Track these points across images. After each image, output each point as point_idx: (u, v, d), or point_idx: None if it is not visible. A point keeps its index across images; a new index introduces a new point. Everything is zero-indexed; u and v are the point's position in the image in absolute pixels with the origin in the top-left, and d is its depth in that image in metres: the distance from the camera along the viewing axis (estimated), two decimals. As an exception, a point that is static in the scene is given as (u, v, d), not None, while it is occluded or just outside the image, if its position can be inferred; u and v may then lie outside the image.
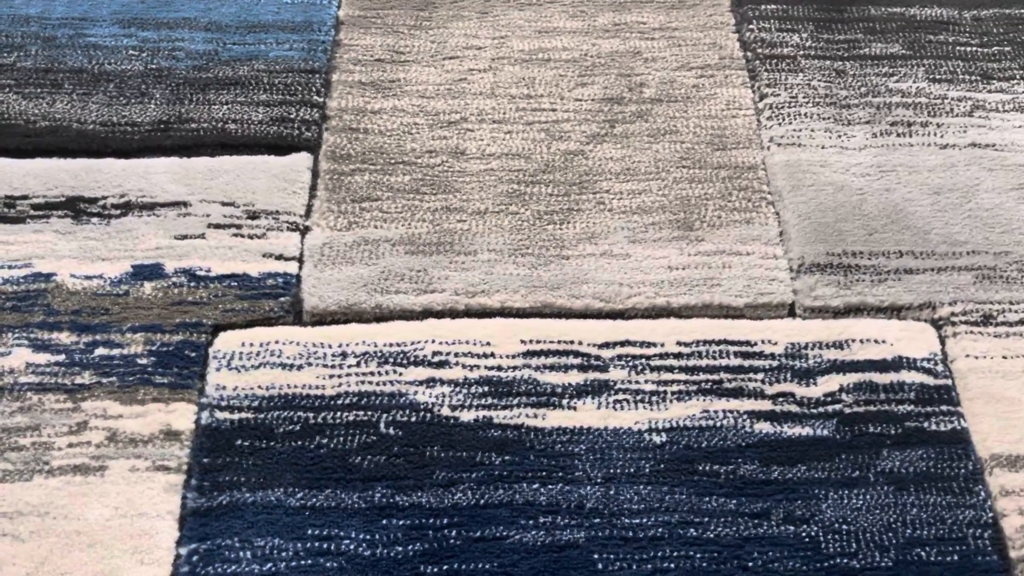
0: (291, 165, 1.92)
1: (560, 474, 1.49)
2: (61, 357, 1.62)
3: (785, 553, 1.42)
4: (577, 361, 1.62)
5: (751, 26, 2.22)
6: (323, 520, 1.44)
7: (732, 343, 1.65)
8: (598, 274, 1.76)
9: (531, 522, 1.44)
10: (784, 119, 2.02)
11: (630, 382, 1.60)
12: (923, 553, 1.42)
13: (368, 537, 1.42)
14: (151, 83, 2.06)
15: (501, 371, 1.61)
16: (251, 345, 1.63)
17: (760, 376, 1.61)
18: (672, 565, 1.40)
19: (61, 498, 1.46)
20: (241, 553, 1.41)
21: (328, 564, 1.40)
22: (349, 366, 1.61)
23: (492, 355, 1.62)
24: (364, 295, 1.72)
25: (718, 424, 1.55)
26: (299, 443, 1.52)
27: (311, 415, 1.55)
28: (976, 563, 1.41)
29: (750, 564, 1.40)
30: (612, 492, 1.47)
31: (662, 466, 1.50)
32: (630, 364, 1.62)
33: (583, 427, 1.54)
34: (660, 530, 1.43)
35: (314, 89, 2.06)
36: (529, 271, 1.76)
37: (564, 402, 1.57)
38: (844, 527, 1.44)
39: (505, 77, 2.11)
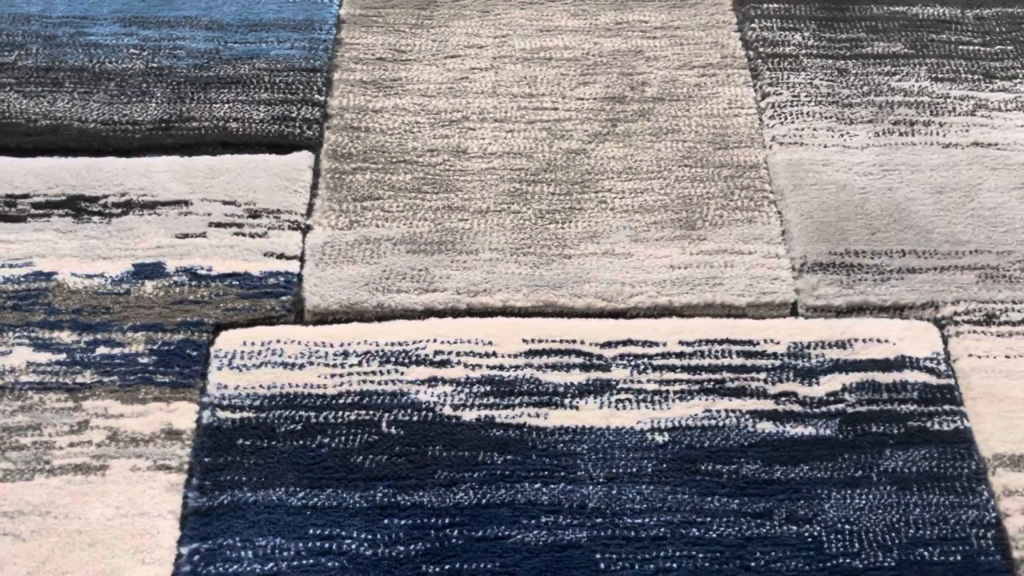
0: (292, 164, 1.91)
1: (562, 474, 1.49)
2: (62, 356, 1.61)
3: (788, 553, 1.41)
4: (579, 360, 1.62)
5: (753, 25, 2.22)
6: (325, 520, 1.44)
7: (734, 342, 1.64)
8: (600, 273, 1.75)
9: (533, 522, 1.44)
10: (786, 118, 2.01)
11: (632, 381, 1.59)
12: (926, 553, 1.41)
13: (370, 537, 1.42)
14: (152, 82, 2.06)
15: (503, 370, 1.60)
16: (252, 344, 1.63)
17: (762, 376, 1.60)
18: (674, 565, 1.40)
19: (62, 497, 1.45)
20: (242, 553, 1.41)
21: (330, 564, 1.39)
22: (351, 365, 1.61)
23: (494, 354, 1.62)
24: (366, 294, 1.72)
25: (720, 424, 1.55)
26: (301, 442, 1.52)
27: (313, 414, 1.55)
28: (979, 563, 1.41)
29: (752, 564, 1.40)
30: (614, 492, 1.47)
31: (664, 466, 1.50)
32: (632, 363, 1.61)
33: (585, 427, 1.54)
34: (662, 530, 1.43)
35: (315, 88, 2.05)
36: (531, 270, 1.76)
37: (566, 401, 1.57)
38: (847, 527, 1.44)
39: (507, 76, 2.11)
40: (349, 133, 1.99)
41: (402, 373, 1.60)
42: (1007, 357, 1.63)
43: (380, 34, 2.20)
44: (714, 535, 1.43)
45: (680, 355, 1.63)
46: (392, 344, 1.63)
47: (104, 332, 1.65)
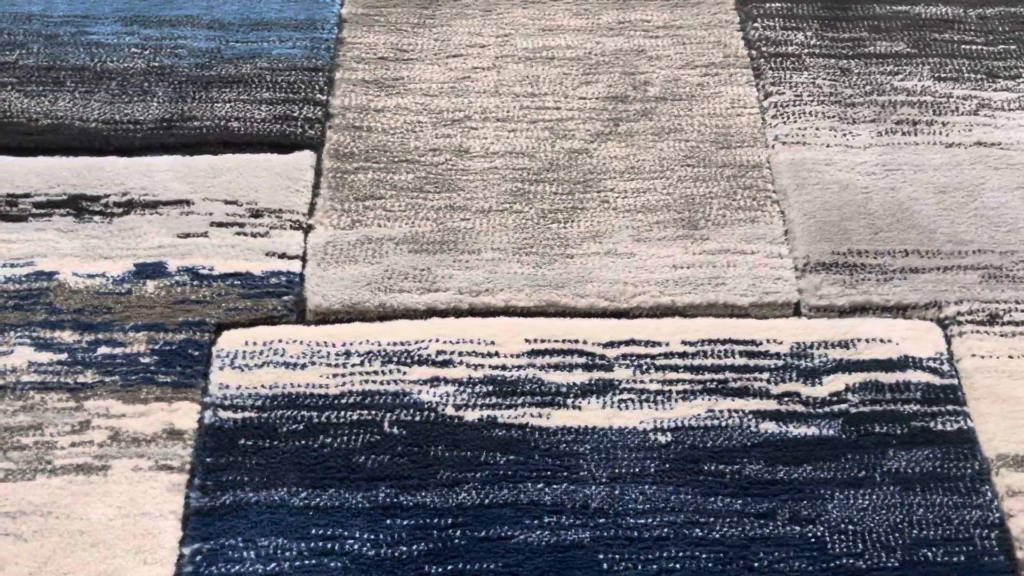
0: (294, 163, 1.91)
1: (565, 474, 1.48)
2: (63, 356, 1.61)
3: (791, 553, 1.41)
4: (582, 360, 1.61)
5: (755, 24, 2.21)
6: (327, 520, 1.43)
7: (737, 342, 1.64)
8: (603, 273, 1.75)
9: (536, 522, 1.43)
10: (789, 117, 2.01)
11: (635, 381, 1.59)
12: (929, 553, 1.41)
13: (372, 537, 1.42)
14: (153, 81, 2.06)
15: (505, 370, 1.60)
16: (254, 344, 1.63)
17: (765, 375, 1.60)
18: (677, 565, 1.40)
19: (64, 497, 1.45)
20: (245, 553, 1.40)
21: (332, 564, 1.39)
22: (353, 365, 1.60)
23: (496, 354, 1.62)
24: (368, 294, 1.72)
25: (723, 424, 1.54)
26: (303, 442, 1.51)
27: (315, 414, 1.55)
28: (983, 564, 1.40)
29: (756, 564, 1.40)
30: (617, 492, 1.46)
31: (667, 466, 1.50)
32: (635, 363, 1.61)
33: (588, 427, 1.54)
34: (665, 530, 1.43)
35: (317, 87, 2.05)
36: (533, 270, 1.75)
37: (569, 401, 1.57)
38: (850, 527, 1.43)
39: (509, 75, 2.11)
40: (351, 132, 1.99)
41: (404, 373, 1.59)
42: (1010, 357, 1.63)
43: (382, 33, 2.20)
44: (717, 535, 1.43)
45: (683, 355, 1.62)
46: (394, 344, 1.63)
47: (105, 332, 1.64)
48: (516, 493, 1.46)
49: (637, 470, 1.49)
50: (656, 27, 2.22)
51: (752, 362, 1.62)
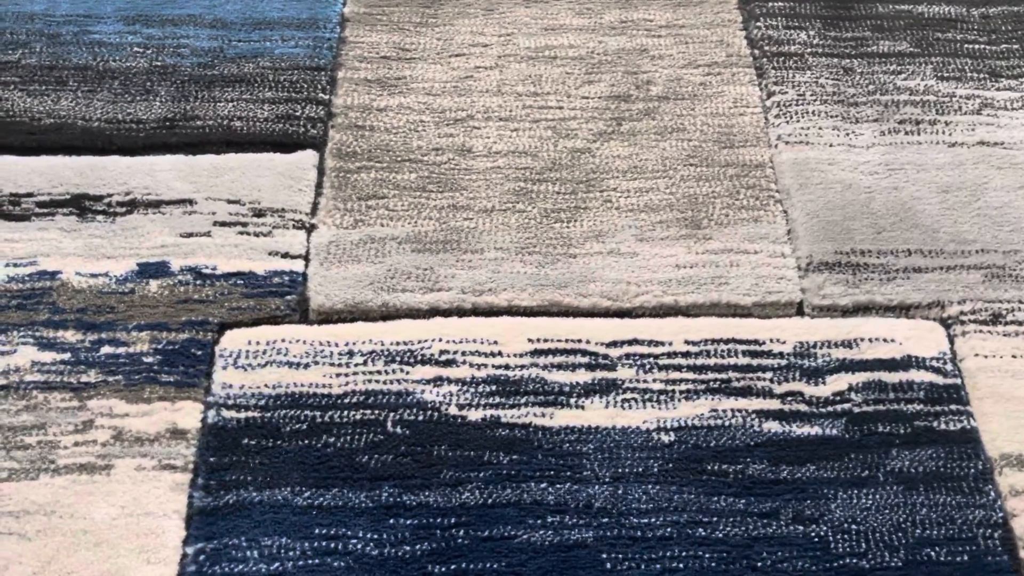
0: (297, 163, 1.91)
1: (568, 473, 1.48)
2: (67, 355, 1.61)
3: (794, 553, 1.41)
4: (585, 360, 1.61)
5: (758, 23, 2.21)
6: (330, 519, 1.44)
7: (740, 342, 1.64)
8: (605, 272, 1.75)
9: (539, 521, 1.43)
10: (792, 117, 2.01)
11: (638, 381, 1.59)
12: (933, 553, 1.41)
13: (375, 536, 1.42)
14: (156, 80, 2.06)
15: (508, 370, 1.60)
16: (257, 343, 1.63)
17: (769, 375, 1.60)
18: (681, 565, 1.40)
19: (67, 497, 1.45)
20: (248, 552, 1.40)
21: (335, 563, 1.39)
22: (356, 365, 1.60)
23: (499, 354, 1.62)
24: (371, 293, 1.72)
25: (727, 423, 1.54)
26: (306, 442, 1.52)
27: (318, 414, 1.55)
28: (986, 563, 1.40)
29: (759, 564, 1.40)
30: (620, 491, 1.46)
31: (670, 465, 1.50)
32: (638, 363, 1.61)
33: (591, 426, 1.54)
34: (669, 530, 1.43)
35: (320, 86, 2.05)
36: (536, 269, 1.75)
37: (572, 401, 1.57)
38: (853, 527, 1.43)
39: (511, 75, 2.11)
40: (354, 132, 1.99)
41: (407, 373, 1.59)
42: (1014, 357, 1.63)
43: (384, 32, 2.20)
44: (720, 535, 1.43)
45: (686, 355, 1.62)
46: (397, 343, 1.63)
47: (109, 331, 1.65)
48: (519, 493, 1.46)
49: (640, 470, 1.49)
50: (659, 26, 2.22)
51: (755, 362, 1.62)
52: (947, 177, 1.91)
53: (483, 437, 1.52)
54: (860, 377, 1.60)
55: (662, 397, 1.57)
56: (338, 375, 1.59)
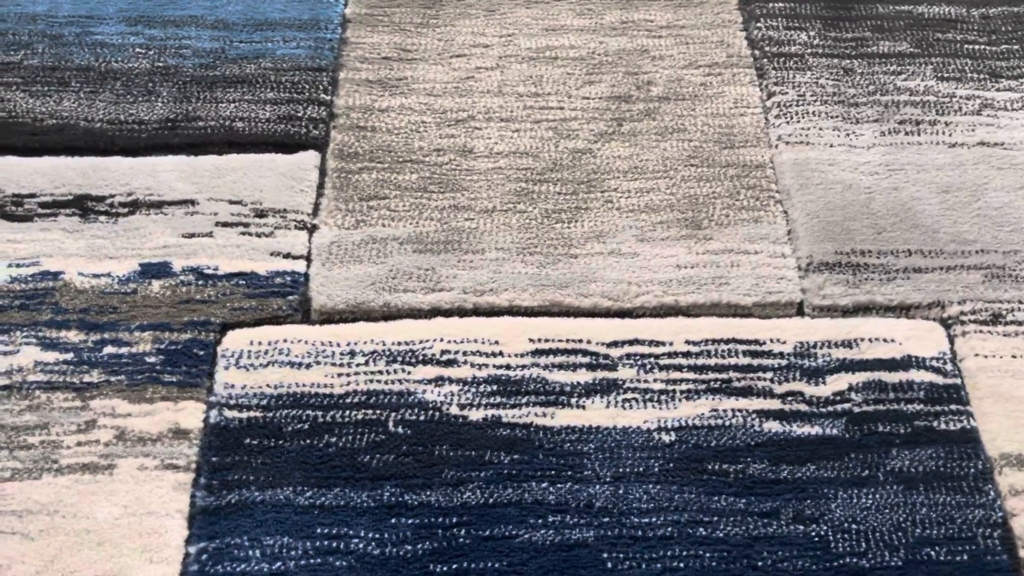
0: (298, 163, 1.92)
1: (569, 473, 1.49)
2: (69, 355, 1.62)
3: (794, 552, 1.41)
4: (586, 360, 1.62)
5: (759, 24, 2.22)
6: (332, 519, 1.44)
7: (741, 342, 1.64)
8: (606, 273, 1.75)
9: (540, 521, 1.44)
10: (792, 117, 2.01)
11: (639, 381, 1.59)
12: (932, 553, 1.41)
13: (377, 536, 1.42)
14: (158, 81, 2.06)
15: (510, 370, 1.60)
16: (259, 344, 1.63)
17: (769, 375, 1.60)
18: (681, 564, 1.40)
19: (70, 496, 1.46)
20: (250, 552, 1.41)
21: (337, 563, 1.40)
22: (357, 365, 1.61)
23: (500, 354, 1.62)
24: (372, 293, 1.72)
25: (727, 423, 1.55)
26: (308, 442, 1.52)
27: (320, 414, 1.55)
28: (985, 563, 1.41)
29: (759, 563, 1.40)
30: (621, 491, 1.47)
31: (671, 465, 1.50)
32: (639, 363, 1.62)
33: (592, 426, 1.54)
34: (669, 529, 1.43)
35: (321, 87, 2.06)
36: (537, 270, 1.76)
37: (573, 401, 1.57)
38: (853, 526, 1.44)
39: (512, 75, 2.11)
40: (355, 132, 1.99)
41: (409, 373, 1.60)
42: (1013, 357, 1.64)
43: (386, 33, 2.20)
44: (721, 534, 1.43)
45: (686, 355, 1.63)
46: (399, 344, 1.63)
47: (111, 331, 1.65)
48: (520, 492, 1.47)
49: (641, 469, 1.49)
50: (659, 27, 2.22)
51: (756, 362, 1.62)
52: (947, 177, 1.91)
53: (484, 437, 1.53)
54: (860, 377, 1.60)
55: (663, 397, 1.58)
56: (340, 375, 1.60)
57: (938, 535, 1.43)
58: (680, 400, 1.57)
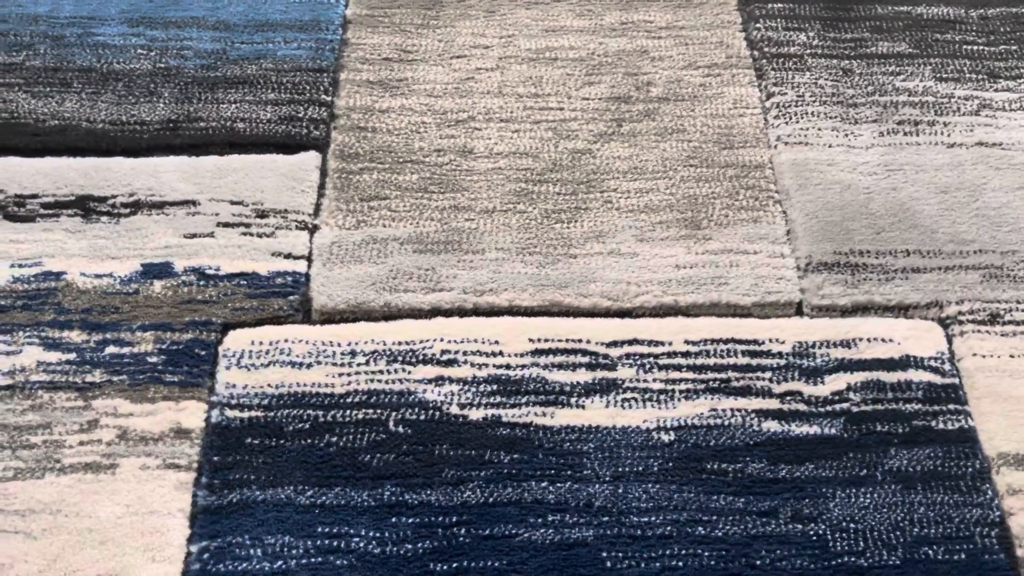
0: (300, 164, 1.92)
1: (569, 472, 1.49)
2: (72, 355, 1.62)
3: (793, 551, 1.42)
4: (585, 360, 1.63)
5: (758, 25, 2.22)
6: (333, 518, 1.45)
7: (740, 342, 1.65)
8: (606, 273, 1.76)
9: (540, 520, 1.45)
10: (791, 118, 2.02)
11: (638, 380, 1.60)
12: (930, 552, 1.42)
13: (377, 535, 1.43)
14: (160, 82, 2.07)
15: (509, 369, 1.61)
16: (260, 343, 1.64)
17: (768, 375, 1.61)
18: (680, 563, 1.41)
19: (72, 496, 1.47)
20: (251, 551, 1.42)
21: (338, 562, 1.40)
22: (358, 364, 1.61)
23: (500, 353, 1.63)
24: (373, 293, 1.73)
25: (726, 423, 1.55)
26: (309, 441, 1.53)
27: (320, 413, 1.56)
28: (983, 562, 1.41)
29: (758, 562, 1.41)
30: (620, 490, 1.48)
31: (670, 464, 1.51)
32: (638, 363, 1.62)
33: (591, 425, 1.55)
34: (668, 528, 1.44)
35: (322, 88, 2.06)
36: (537, 270, 1.76)
37: (572, 400, 1.58)
38: (852, 525, 1.44)
39: (512, 76, 2.12)
40: (356, 133, 2.00)
41: (409, 372, 1.61)
42: (1011, 356, 1.64)
43: (386, 34, 2.21)
44: (720, 534, 1.44)
45: (686, 354, 1.63)
46: (399, 343, 1.64)
47: (113, 332, 1.66)
48: (520, 492, 1.47)
49: (640, 469, 1.50)
50: (659, 28, 2.23)
51: (754, 361, 1.63)
52: (946, 178, 1.92)
53: (484, 436, 1.54)
54: (859, 377, 1.61)
55: (662, 397, 1.58)
56: (340, 375, 1.60)
57: (936, 534, 1.44)
58: (679, 400, 1.58)
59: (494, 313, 1.72)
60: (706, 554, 1.42)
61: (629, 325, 1.68)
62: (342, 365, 1.61)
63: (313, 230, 1.83)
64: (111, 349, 1.63)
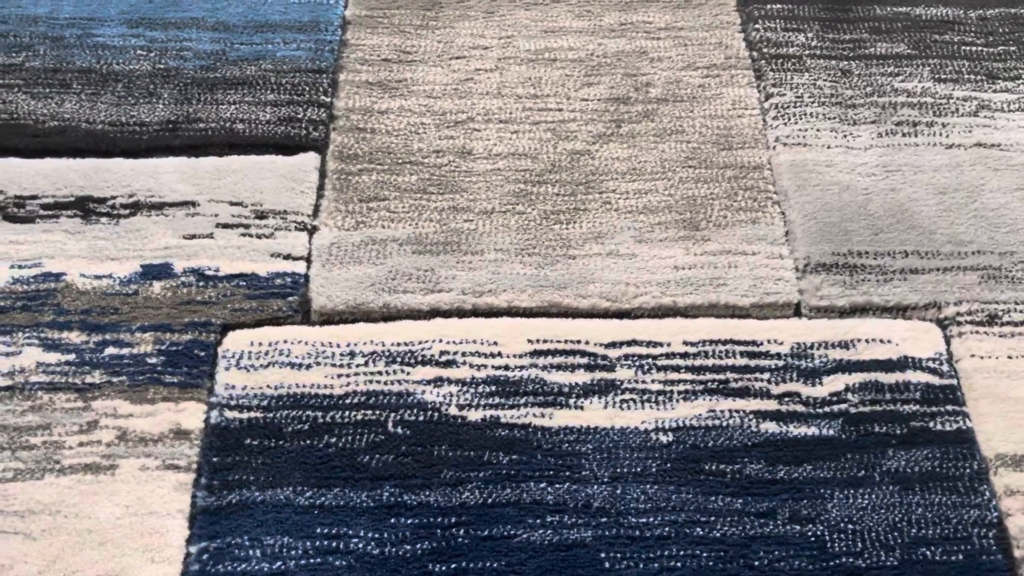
0: (299, 165, 1.92)
1: (567, 473, 1.50)
2: (71, 356, 1.63)
3: (791, 552, 1.42)
4: (584, 361, 1.63)
5: (757, 26, 2.22)
6: (332, 519, 1.45)
7: (738, 343, 1.65)
8: (604, 274, 1.76)
9: (538, 521, 1.45)
10: (790, 119, 2.02)
11: (637, 382, 1.60)
12: (928, 552, 1.42)
13: (376, 536, 1.43)
14: (159, 83, 2.07)
15: (508, 370, 1.61)
16: (260, 344, 1.64)
17: (766, 376, 1.61)
18: (678, 564, 1.41)
19: (72, 497, 1.47)
20: (251, 551, 1.42)
21: (337, 562, 1.41)
22: (357, 365, 1.62)
23: (499, 355, 1.63)
24: (372, 294, 1.73)
25: (724, 424, 1.56)
26: (308, 442, 1.53)
27: (319, 414, 1.56)
28: (981, 562, 1.42)
29: (756, 563, 1.41)
30: (619, 491, 1.48)
31: (668, 465, 1.51)
32: (637, 364, 1.62)
33: (590, 426, 1.55)
34: (667, 529, 1.44)
35: (321, 89, 2.06)
36: (536, 271, 1.77)
37: (571, 401, 1.58)
38: (850, 526, 1.45)
39: (511, 77, 2.12)
40: (355, 134, 2.00)
41: (408, 373, 1.61)
42: (1009, 358, 1.64)
43: (385, 35, 2.21)
44: (718, 534, 1.44)
45: (684, 355, 1.64)
46: (398, 344, 1.64)
47: (113, 332, 1.66)
48: (519, 492, 1.48)
49: (639, 470, 1.50)
50: (658, 29, 2.23)
51: (753, 362, 1.63)
52: (944, 179, 1.92)
53: (483, 437, 1.54)
54: (857, 378, 1.61)
55: (660, 398, 1.59)
56: (339, 376, 1.61)
57: (934, 535, 1.44)
58: (678, 401, 1.58)
59: (493, 314, 1.72)
60: (704, 555, 1.42)
61: (628, 326, 1.68)
62: (341, 366, 1.62)
63: (312, 231, 1.84)
64: (111, 350, 1.64)
